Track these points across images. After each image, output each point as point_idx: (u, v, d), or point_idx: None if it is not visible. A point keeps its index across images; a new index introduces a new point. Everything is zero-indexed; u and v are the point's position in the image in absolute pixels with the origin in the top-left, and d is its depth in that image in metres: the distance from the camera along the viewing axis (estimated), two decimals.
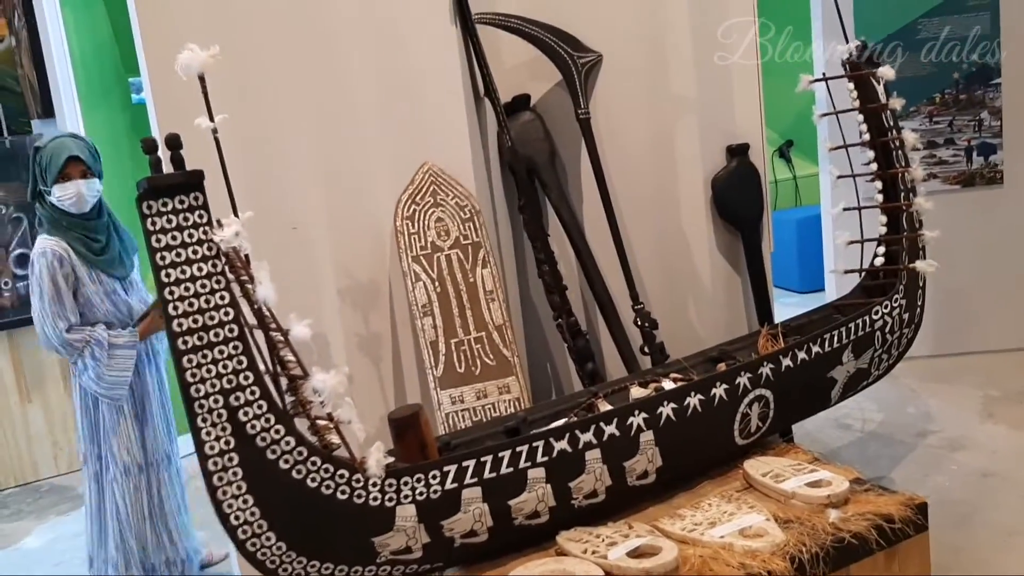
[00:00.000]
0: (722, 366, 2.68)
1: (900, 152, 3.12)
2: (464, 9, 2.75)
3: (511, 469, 2.07)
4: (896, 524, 2.13)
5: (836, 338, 2.70)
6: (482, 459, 2.04)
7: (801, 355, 2.61)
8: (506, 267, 2.99)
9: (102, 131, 4.21)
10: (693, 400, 2.35)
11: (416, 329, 2.60)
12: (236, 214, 1.82)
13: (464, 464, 2.02)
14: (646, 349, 2.92)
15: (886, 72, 3.09)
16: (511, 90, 3.01)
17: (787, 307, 5.45)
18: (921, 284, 3.11)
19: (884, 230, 3.15)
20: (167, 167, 1.77)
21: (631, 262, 2.99)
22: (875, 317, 2.84)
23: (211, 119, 1.79)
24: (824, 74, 3.32)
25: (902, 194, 3.12)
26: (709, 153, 3.12)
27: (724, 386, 2.41)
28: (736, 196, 3.13)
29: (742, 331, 3.10)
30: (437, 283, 2.60)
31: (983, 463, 3.26)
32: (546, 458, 2.11)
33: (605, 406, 2.46)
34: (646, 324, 2.93)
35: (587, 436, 2.16)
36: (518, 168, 2.92)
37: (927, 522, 2.19)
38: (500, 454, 2.06)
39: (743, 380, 2.45)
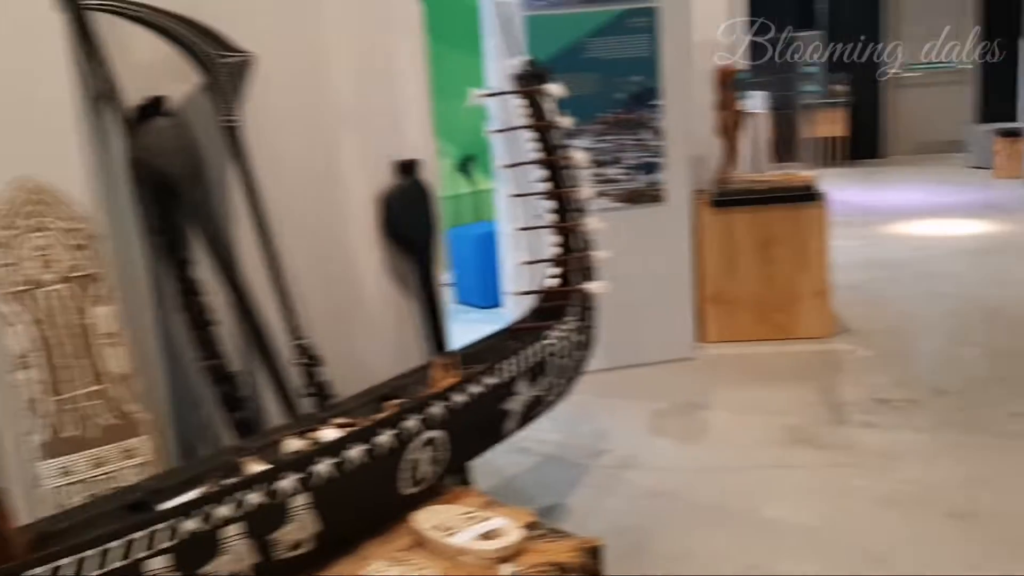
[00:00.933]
0: (391, 404, 2.45)
1: (570, 171, 3.08)
2: None
3: (125, 562, 1.67)
4: (572, 574, 1.99)
5: (510, 367, 2.56)
6: (84, 555, 1.62)
7: (474, 389, 2.43)
8: (141, 302, 2.53)
9: None
10: (354, 452, 2.07)
11: (11, 386, 2.08)
12: None
13: (59, 564, 1.60)
14: (309, 390, 2.61)
15: (555, 89, 3.03)
16: (147, 92, 2.56)
17: (469, 324, 5.37)
18: (593, 305, 3.08)
19: (556, 250, 3.10)
20: None
21: (291, 291, 2.65)
22: (549, 342, 2.75)
23: None
24: (495, 90, 3.22)
25: (573, 214, 3.08)
26: (377, 169, 2.87)
27: (390, 432, 2.16)
28: (406, 215, 2.91)
29: (416, 361, 2.87)
30: (39, 326, 2.10)
31: (652, 482, 3.30)
32: (172, 543, 1.73)
33: (254, 465, 2.11)
34: (308, 361, 2.61)
35: (224, 510, 1.81)
36: (149, 183, 2.48)
37: (601, 567, 2.07)
38: (109, 545, 1.66)
39: (411, 422, 2.21)
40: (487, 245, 5.62)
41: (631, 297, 4.50)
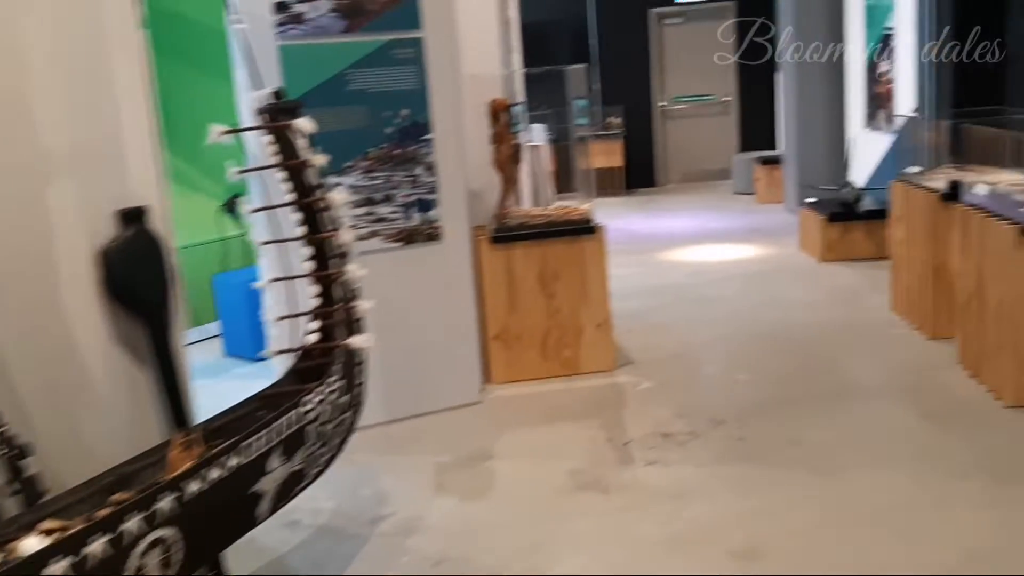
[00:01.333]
0: (118, 498, 2.08)
1: (328, 214, 2.82)
2: None
3: None
4: None
5: (258, 443, 2.25)
6: None
7: (213, 473, 2.09)
8: None
9: None
10: (56, 567, 1.70)
11: None
12: None
13: None
14: (14, 487, 2.18)
15: (304, 124, 2.76)
16: None
17: (239, 379, 4.98)
18: (360, 360, 2.82)
19: (316, 302, 2.83)
20: None
21: None
22: (306, 409, 2.45)
23: None
24: (239, 127, 2.92)
25: (333, 261, 2.82)
26: (95, 219, 2.47)
27: (104, 537, 1.80)
28: (134, 272, 2.53)
29: (153, 441, 2.49)
30: None
31: (436, 548, 3.05)
32: None
33: None
34: (12, 452, 2.18)
35: None
36: None
37: None
38: None
39: (132, 523, 1.86)
40: (257, 292, 5.21)
41: (411, 342, 4.29)
